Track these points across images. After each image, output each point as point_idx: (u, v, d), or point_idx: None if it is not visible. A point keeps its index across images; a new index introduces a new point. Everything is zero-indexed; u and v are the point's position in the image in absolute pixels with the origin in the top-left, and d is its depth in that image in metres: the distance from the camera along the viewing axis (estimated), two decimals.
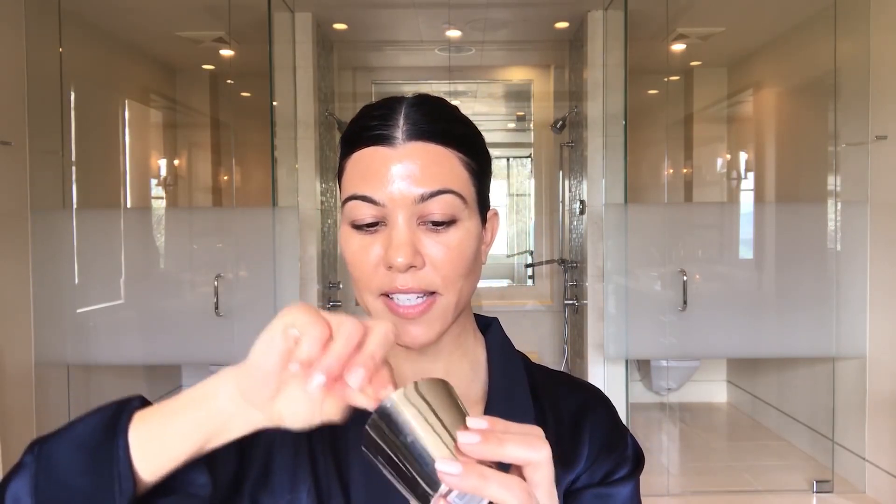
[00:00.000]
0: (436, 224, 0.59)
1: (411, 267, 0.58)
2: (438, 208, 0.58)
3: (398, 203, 0.58)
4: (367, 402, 0.45)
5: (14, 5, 2.66)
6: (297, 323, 0.44)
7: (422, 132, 0.59)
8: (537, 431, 0.46)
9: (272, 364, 0.44)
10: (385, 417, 0.44)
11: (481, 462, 0.44)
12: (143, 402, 0.52)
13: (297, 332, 0.44)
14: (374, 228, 0.59)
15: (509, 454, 0.44)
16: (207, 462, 0.51)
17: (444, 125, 0.61)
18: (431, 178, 0.58)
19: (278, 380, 0.45)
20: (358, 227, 0.60)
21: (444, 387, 0.46)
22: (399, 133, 0.59)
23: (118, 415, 0.49)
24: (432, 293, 0.60)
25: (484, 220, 0.65)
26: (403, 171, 0.58)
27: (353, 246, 0.61)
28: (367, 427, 0.44)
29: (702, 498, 2.89)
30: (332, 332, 0.44)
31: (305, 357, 0.43)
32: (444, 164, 0.59)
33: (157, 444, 0.47)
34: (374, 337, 0.45)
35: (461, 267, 0.60)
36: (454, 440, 0.44)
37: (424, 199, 0.58)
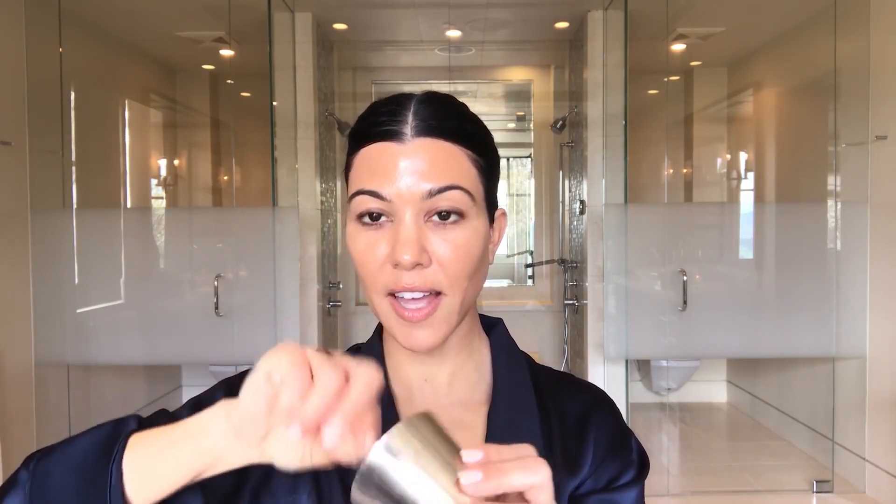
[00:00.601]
0: (443, 217, 0.58)
1: (417, 265, 0.57)
2: (446, 204, 0.58)
3: (406, 199, 0.57)
4: (345, 457, 0.44)
5: (14, 5, 2.66)
6: (279, 369, 0.43)
7: (431, 128, 0.59)
8: (530, 451, 0.45)
9: (258, 409, 0.44)
10: (373, 473, 0.42)
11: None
12: (140, 423, 0.52)
13: (278, 378, 0.43)
14: (381, 224, 0.59)
15: (512, 483, 0.43)
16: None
17: (453, 122, 0.60)
18: (440, 174, 0.58)
19: (266, 423, 0.45)
20: (364, 222, 0.59)
21: (429, 422, 0.44)
22: (408, 129, 0.58)
23: (114, 439, 0.50)
24: (437, 293, 0.59)
25: (492, 220, 0.64)
26: (412, 166, 0.57)
27: (359, 244, 0.60)
28: (354, 485, 0.42)
29: (702, 498, 2.88)
30: (313, 381, 0.44)
31: (285, 407, 0.43)
32: (452, 160, 0.59)
33: (151, 473, 0.48)
34: (356, 385, 0.44)
35: (468, 266, 0.59)
36: (455, 476, 0.42)
37: (432, 194, 0.57)
